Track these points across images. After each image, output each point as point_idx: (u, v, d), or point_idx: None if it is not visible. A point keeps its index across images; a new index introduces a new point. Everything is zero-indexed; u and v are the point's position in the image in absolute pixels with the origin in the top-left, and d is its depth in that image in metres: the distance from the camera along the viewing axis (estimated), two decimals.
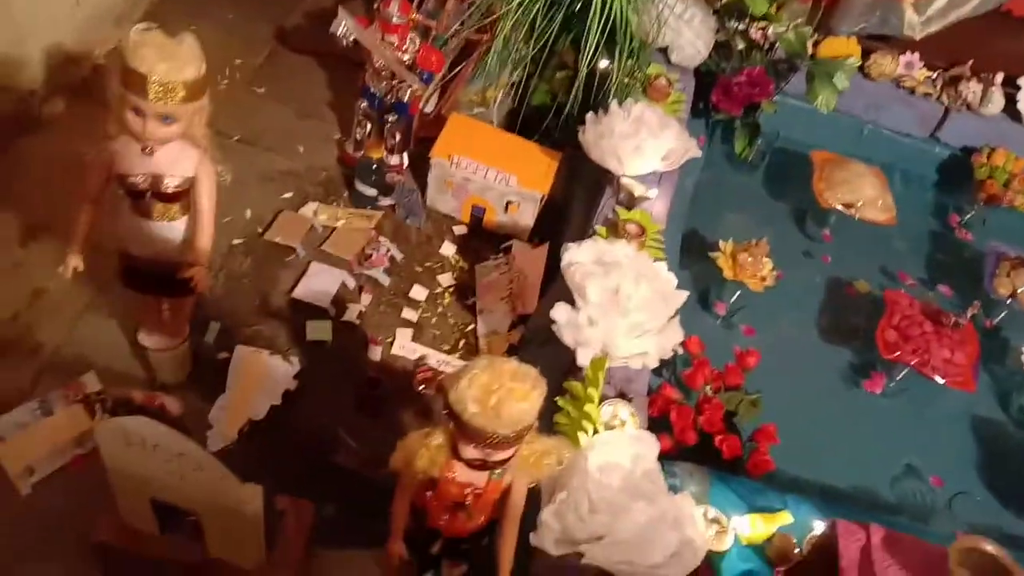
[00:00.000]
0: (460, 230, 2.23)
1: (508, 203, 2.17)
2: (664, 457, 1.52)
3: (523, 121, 2.34)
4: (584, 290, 1.54)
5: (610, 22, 2.08)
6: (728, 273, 2.01)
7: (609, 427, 1.49)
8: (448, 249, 2.18)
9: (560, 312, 1.55)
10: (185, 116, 1.31)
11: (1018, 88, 2.46)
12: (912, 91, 2.49)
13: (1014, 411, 2.09)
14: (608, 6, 2.03)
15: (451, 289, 2.10)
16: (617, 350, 1.53)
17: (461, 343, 2.01)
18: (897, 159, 2.58)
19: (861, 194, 2.22)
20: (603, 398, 1.51)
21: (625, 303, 1.53)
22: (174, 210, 1.44)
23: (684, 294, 1.63)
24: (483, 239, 2.23)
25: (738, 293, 2.07)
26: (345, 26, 2.02)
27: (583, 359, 1.53)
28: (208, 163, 1.41)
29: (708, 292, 2.14)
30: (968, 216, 2.52)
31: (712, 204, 2.41)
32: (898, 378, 2.03)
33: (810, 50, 2.38)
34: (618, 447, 1.39)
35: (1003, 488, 1.93)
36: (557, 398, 1.48)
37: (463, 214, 2.23)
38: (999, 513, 1.88)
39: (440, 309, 2.06)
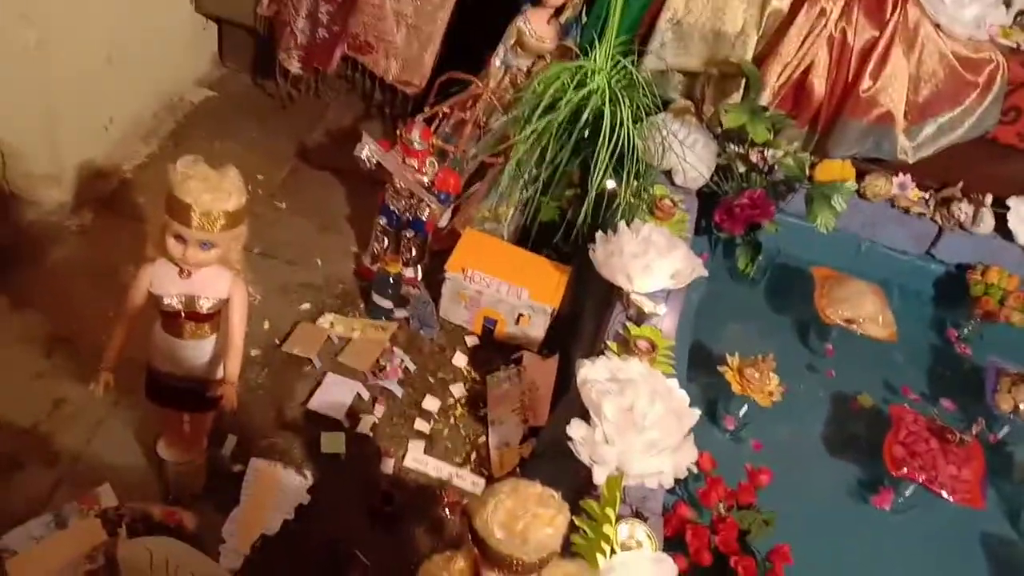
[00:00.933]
0: (472, 341, 2.29)
1: (519, 315, 2.23)
2: None
3: (533, 236, 2.43)
4: (600, 408, 1.58)
5: (618, 147, 2.20)
6: (736, 388, 2.05)
7: (626, 547, 1.50)
8: (460, 360, 2.23)
9: (576, 429, 1.58)
10: (224, 242, 1.39)
11: (1007, 208, 2.57)
12: (906, 211, 2.59)
13: (1019, 526, 2.09)
14: (616, 133, 2.15)
15: (463, 400, 2.13)
16: (633, 468, 1.56)
17: (473, 455, 2.02)
18: (894, 275, 2.65)
19: (862, 311, 2.29)
20: (618, 517, 1.53)
21: (640, 421, 1.57)
22: (205, 329, 1.50)
23: (697, 412, 1.67)
24: (494, 350, 2.28)
25: (745, 407, 2.10)
26: (369, 150, 2.13)
27: (599, 477, 1.55)
28: (242, 285, 1.47)
29: (716, 406, 2.17)
30: (966, 331, 2.58)
31: (716, 318, 2.47)
32: (907, 494, 2.05)
33: (807, 172, 2.51)
34: (637, 570, 1.39)
35: None
36: (574, 517, 1.49)
37: (475, 326, 2.29)
38: None
39: (452, 420, 2.08)
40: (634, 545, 1.50)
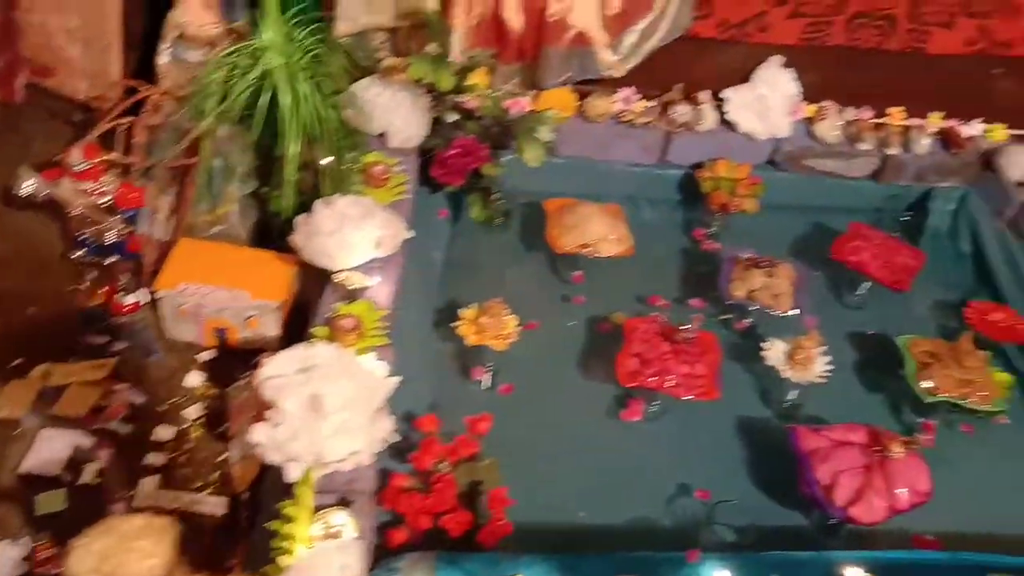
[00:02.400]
0: (207, 355, 2.17)
1: (248, 318, 2.13)
2: (396, 551, 1.49)
3: (270, 230, 2.32)
4: (279, 404, 1.52)
5: (310, 123, 2.11)
6: (473, 339, 2.03)
7: (332, 537, 1.46)
8: (195, 379, 2.11)
9: (259, 433, 1.52)
10: None
11: (722, 101, 2.63)
12: (632, 124, 2.62)
13: (770, 406, 2.18)
14: (298, 109, 2.06)
15: (201, 421, 2.03)
16: (326, 456, 1.50)
17: (216, 476, 1.93)
18: (637, 189, 2.70)
19: (592, 233, 2.30)
20: (319, 508, 1.48)
21: (325, 407, 1.51)
22: None
23: (392, 382, 1.63)
24: (236, 360, 2.17)
25: (484, 354, 2.09)
26: (32, 185, 1.97)
27: (293, 475, 1.49)
28: None
29: (465, 362, 2.15)
30: (713, 228, 2.65)
31: (471, 270, 2.45)
32: (656, 402, 2.09)
33: (529, 107, 2.50)
34: (323, 562, 1.35)
35: (765, 482, 1.99)
36: (274, 523, 1.44)
37: (207, 339, 2.17)
38: (761, 510, 1.93)
39: (189, 445, 1.98)
40: (337, 534, 1.46)
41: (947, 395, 2.04)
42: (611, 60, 2.50)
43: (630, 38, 2.48)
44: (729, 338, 2.31)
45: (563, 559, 1.49)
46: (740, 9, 2.51)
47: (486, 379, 2.12)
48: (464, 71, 2.30)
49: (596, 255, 2.32)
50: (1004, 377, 2.24)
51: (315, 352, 1.62)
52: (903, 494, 1.76)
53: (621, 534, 1.85)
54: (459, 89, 2.25)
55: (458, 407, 1.95)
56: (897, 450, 1.79)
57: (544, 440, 2.00)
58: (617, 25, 2.46)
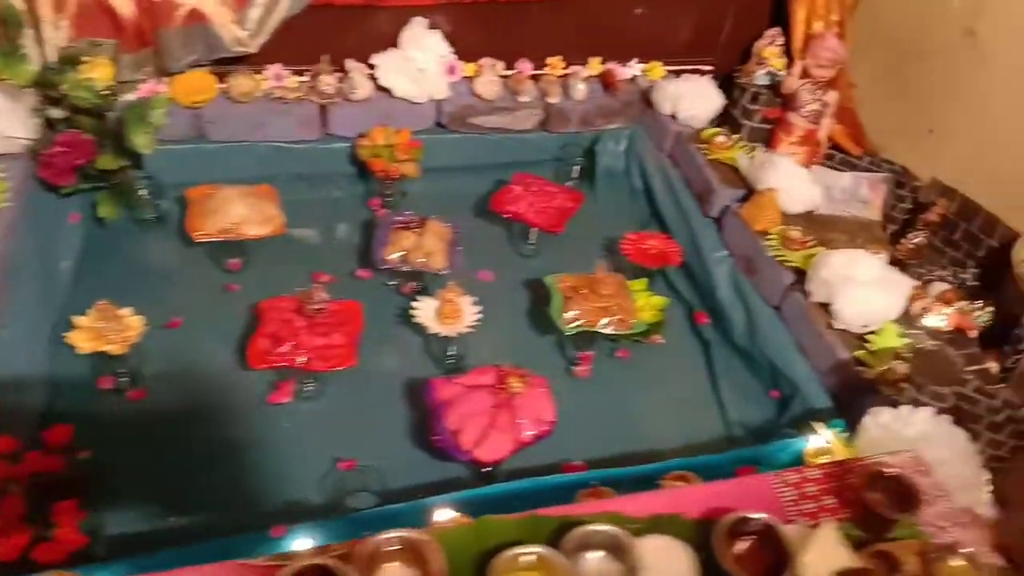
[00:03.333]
0: None
1: None
2: None
3: None
4: None
5: None
6: (87, 346, 1.87)
7: None
8: None
9: None
10: None
11: (373, 67, 2.60)
12: (284, 100, 2.53)
13: (437, 365, 2.17)
14: None
15: None
16: None
17: None
18: (305, 166, 2.62)
19: (232, 216, 2.20)
20: None
21: None
22: None
23: None
24: None
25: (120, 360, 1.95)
26: None
27: None
28: None
29: (98, 370, 2.00)
30: (388, 197, 2.62)
31: (114, 274, 2.27)
32: (310, 380, 2.03)
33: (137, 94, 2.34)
34: None
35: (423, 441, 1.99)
36: None
37: None
38: (419, 468, 1.91)
39: None
40: None
41: (583, 324, 2.11)
42: (240, 36, 2.39)
43: (255, 12, 2.38)
44: (401, 303, 2.29)
45: (134, 562, 1.39)
46: None
47: (121, 383, 1.98)
48: (67, 63, 2.12)
49: (241, 237, 2.22)
50: (659, 300, 2.36)
51: None
52: (526, 425, 1.79)
53: (256, 519, 1.77)
54: (50, 83, 2.07)
55: (86, 419, 1.82)
56: (516, 385, 1.81)
57: (180, 439, 1.89)
58: (237, 1, 2.36)
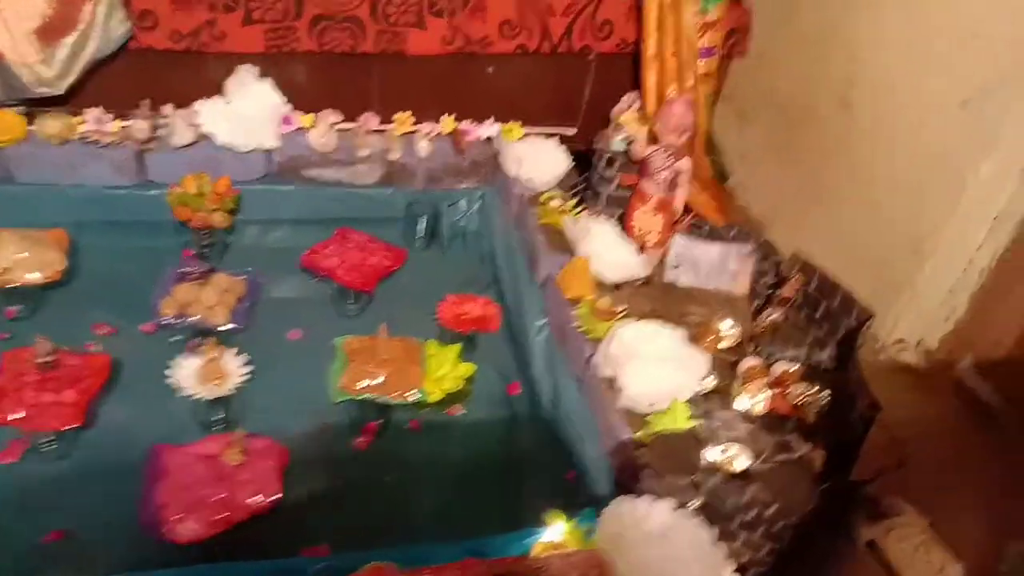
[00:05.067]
0: None
1: None
2: None
3: None
4: None
5: None
6: None
7: None
8: None
9: None
10: None
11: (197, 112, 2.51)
12: (101, 143, 2.44)
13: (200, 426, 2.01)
14: None
15: None
16: None
17: None
18: (117, 213, 2.50)
19: (3, 260, 2.08)
20: None
21: None
22: None
23: None
24: None
25: None
26: None
27: None
28: None
29: None
30: (206, 247, 2.50)
31: None
32: (43, 439, 1.87)
33: None
34: None
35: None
36: None
37: None
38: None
39: None
40: None
41: (351, 391, 1.95)
42: (45, 76, 2.31)
43: (62, 52, 2.31)
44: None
45: None
46: (186, 18, 2.40)
47: None
48: None
49: (9, 283, 2.09)
50: (466, 368, 2.21)
51: None
52: (239, 501, 1.62)
53: None
54: None
55: None
56: (234, 457, 1.66)
57: None
58: (44, 39, 2.29)
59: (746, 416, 2.08)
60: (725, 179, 3.54)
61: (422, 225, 2.75)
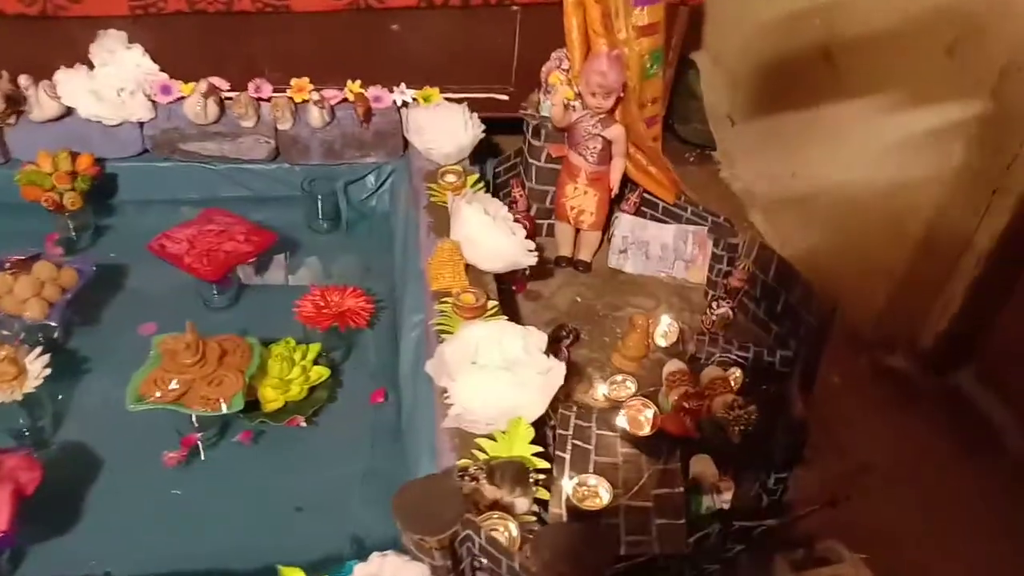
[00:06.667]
0: None
1: None
2: None
3: None
4: None
5: None
6: None
7: None
8: None
9: None
10: None
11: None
12: None
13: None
14: None
15: None
16: None
17: None
18: None
19: None
20: None
21: None
22: None
23: None
24: None
25: None
26: None
27: None
28: None
29: None
30: (75, 232, 2.28)
31: None
32: None
33: None
34: None
35: None
36: None
37: None
38: None
39: None
40: None
41: (152, 400, 1.67)
42: None
43: None
44: None
45: None
46: None
47: None
48: None
49: None
50: (319, 371, 1.91)
51: None
52: None
53: None
54: None
55: None
56: None
57: None
58: None
59: (626, 436, 1.71)
60: (713, 149, 3.17)
61: (320, 205, 2.44)
